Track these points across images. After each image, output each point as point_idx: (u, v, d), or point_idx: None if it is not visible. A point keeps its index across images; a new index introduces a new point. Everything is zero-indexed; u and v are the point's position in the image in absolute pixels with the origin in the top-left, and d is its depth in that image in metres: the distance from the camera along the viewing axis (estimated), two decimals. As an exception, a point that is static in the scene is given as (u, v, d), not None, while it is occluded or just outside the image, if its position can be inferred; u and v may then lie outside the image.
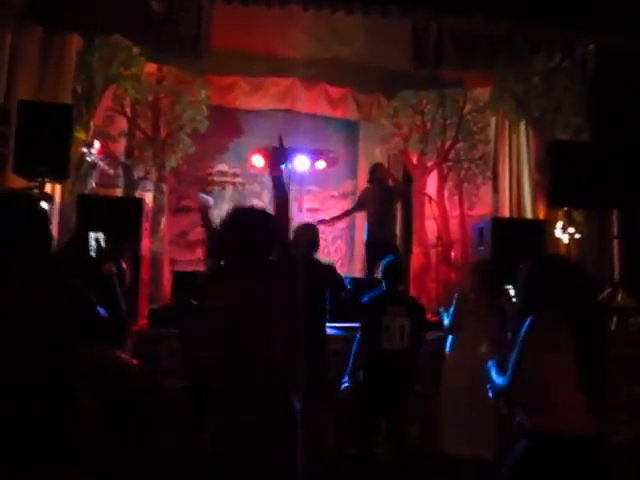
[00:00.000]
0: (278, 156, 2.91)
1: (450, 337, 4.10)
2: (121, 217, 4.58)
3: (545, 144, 6.80)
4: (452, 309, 4.07)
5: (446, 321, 4.16)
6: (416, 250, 8.14)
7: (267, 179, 9.96)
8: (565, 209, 5.62)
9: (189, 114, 8.01)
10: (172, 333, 4.02)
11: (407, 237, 8.72)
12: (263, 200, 9.94)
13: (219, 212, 9.86)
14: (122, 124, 7.68)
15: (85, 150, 5.80)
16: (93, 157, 5.82)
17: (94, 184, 5.87)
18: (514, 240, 5.08)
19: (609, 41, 6.22)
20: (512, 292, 3.55)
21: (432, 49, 6.67)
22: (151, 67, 7.88)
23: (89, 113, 6.48)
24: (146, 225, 4.99)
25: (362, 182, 9.61)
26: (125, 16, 6.23)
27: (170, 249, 9.08)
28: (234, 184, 9.57)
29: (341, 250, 9.88)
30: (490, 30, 6.26)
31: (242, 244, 2.48)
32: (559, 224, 5.68)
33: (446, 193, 8.32)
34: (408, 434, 4.15)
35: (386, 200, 6.69)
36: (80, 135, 6.32)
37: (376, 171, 7.01)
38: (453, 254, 7.03)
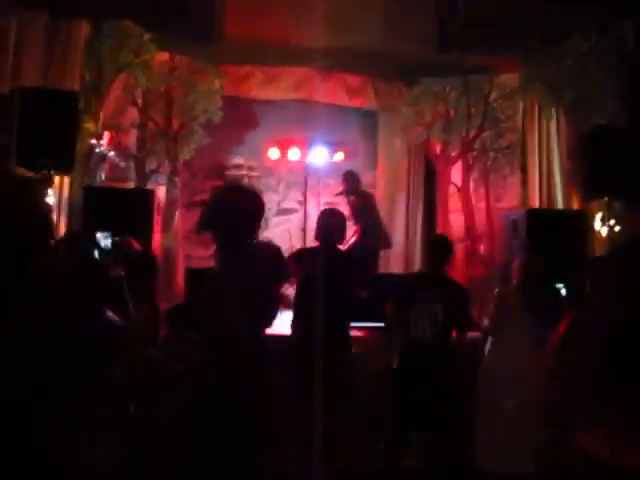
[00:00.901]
0: None
1: (490, 339, 3.75)
2: (131, 210, 4.29)
3: (579, 132, 6.38)
4: (491, 309, 3.72)
5: (485, 322, 3.80)
6: (440, 245, 7.73)
7: (283, 172, 9.78)
8: (605, 199, 5.21)
9: (202, 104, 7.70)
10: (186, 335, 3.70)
11: (430, 232, 8.35)
12: (279, 193, 9.69)
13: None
14: (133, 115, 7.39)
15: (94, 142, 5.51)
16: (102, 149, 5.53)
17: (103, 177, 5.58)
18: (551, 234, 4.70)
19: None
20: (563, 292, 3.24)
21: (457, 32, 6.27)
22: (163, 56, 7.58)
23: (98, 103, 6.19)
24: (158, 219, 4.69)
25: (382, 174, 9.29)
26: (135, 1, 5.92)
27: (184, 245, 8.83)
28: (249, 177, 9.28)
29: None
30: (519, 10, 5.84)
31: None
32: (598, 216, 5.28)
33: (471, 185, 7.91)
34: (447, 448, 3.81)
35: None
36: (89, 126, 6.04)
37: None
38: (482, 248, 6.64)
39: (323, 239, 3.61)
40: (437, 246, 3.75)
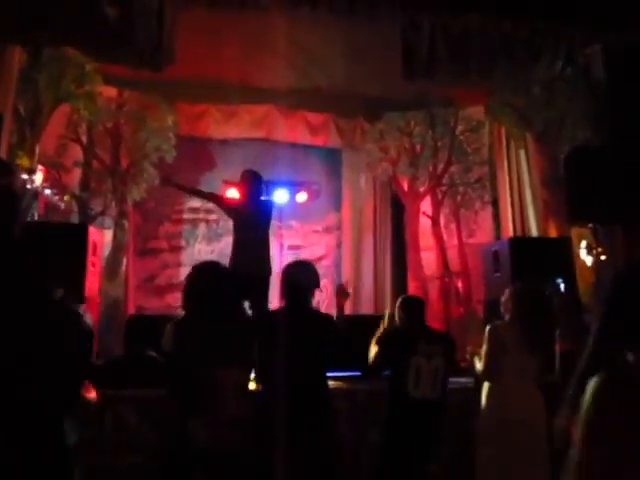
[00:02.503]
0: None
1: (486, 386, 3.18)
2: (57, 247, 3.64)
3: (551, 159, 6.11)
4: (484, 349, 3.17)
5: (478, 365, 3.25)
6: (413, 285, 7.27)
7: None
8: (589, 226, 4.85)
9: (154, 142, 7.19)
10: (120, 396, 3.03)
11: (401, 271, 7.90)
12: (238, 237, 9.14)
13: (192, 251, 8.88)
14: (77, 153, 6.82)
15: (25, 177, 4.89)
16: (36, 186, 4.92)
17: (36, 216, 4.94)
18: (536, 262, 4.25)
19: (618, 40, 5.61)
20: (562, 286, 2.81)
21: (424, 60, 5.98)
22: (111, 91, 7.10)
23: (34, 137, 5.59)
24: (94, 261, 4.04)
25: (347, 214, 8.88)
26: (76, 25, 5.43)
27: (137, 295, 8.14)
28: (207, 221, 8.75)
29: (327, 290, 9.01)
30: (487, 31, 5.61)
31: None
32: (583, 244, 4.90)
33: (442, 221, 7.55)
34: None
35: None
36: (23, 162, 5.41)
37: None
38: (460, 285, 6.18)
39: (290, 298, 2.95)
40: (416, 304, 3.34)
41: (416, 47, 5.76)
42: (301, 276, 2.93)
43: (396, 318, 3.19)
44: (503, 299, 3.32)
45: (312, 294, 2.98)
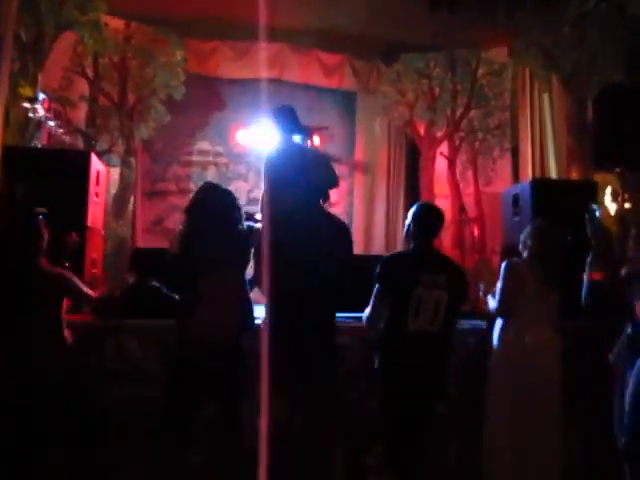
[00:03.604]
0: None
1: (499, 324, 3.02)
2: (59, 175, 3.47)
3: (579, 103, 5.80)
4: (500, 285, 2.99)
5: (492, 302, 3.09)
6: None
7: (253, 159, 9.02)
8: (616, 171, 4.58)
9: (162, 78, 6.93)
10: (122, 324, 2.93)
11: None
12: (249, 182, 8.93)
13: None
14: (83, 87, 6.58)
15: (27, 105, 4.68)
16: (39, 115, 4.71)
17: (39, 146, 4.76)
18: (559, 207, 4.00)
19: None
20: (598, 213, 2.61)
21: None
22: (117, 23, 6.80)
23: (37, 65, 5.37)
24: (97, 190, 3.87)
25: (360, 160, 8.62)
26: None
27: (144, 237, 8.02)
28: (217, 164, 8.53)
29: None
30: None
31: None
32: (608, 190, 4.66)
33: (459, 167, 7.28)
34: (446, 458, 3.10)
35: None
36: (25, 91, 5.20)
37: None
38: (476, 232, 5.97)
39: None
40: (431, 215, 2.81)
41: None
42: (318, 174, 2.77)
43: (404, 229, 2.82)
44: (522, 237, 3.14)
45: (327, 194, 2.82)
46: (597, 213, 2.67)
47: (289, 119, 3.97)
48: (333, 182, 2.84)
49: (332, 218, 2.91)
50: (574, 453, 3.21)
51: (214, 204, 2.70)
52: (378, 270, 2.74)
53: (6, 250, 2.59)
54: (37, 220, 2.68)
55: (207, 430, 2.64)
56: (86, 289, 2.77)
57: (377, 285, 2.74)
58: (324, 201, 2.83)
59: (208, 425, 2.63)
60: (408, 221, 2.81)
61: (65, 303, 2.65)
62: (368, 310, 2.77)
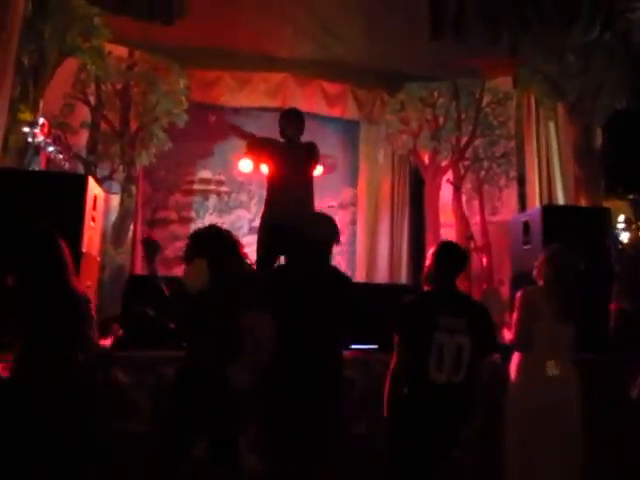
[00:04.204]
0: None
1: (516, 357, 2.85)
2: (53, 198, 3.35)
3: (584, 131, 5.72)
4: (516, 316, 2.84)
5: (507, 335, 2.92)
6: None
7: (255, 187, 8.94)
8: (630, 198, 4.47)
9: (165, 105, 6.90)
10: (113, 355, 2.75)
11: (418, 250, 7.56)
12: (250, 211, 8.84)
13: (202, 223, 8.60)
14: (84, 114, 6.53)
15: (26, 130, 4.60)
16: (36, 139, 4.63)
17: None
18: (571, 235, 3.86)
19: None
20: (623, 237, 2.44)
21: (453, 17, 5.58)
22: (121, 51, 6.80)
23: (38, 91, 5.31)
24: (94, 215, 3.74)
25: (363, 190, 8.54)
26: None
27: (144, 266, 7.88)
28: (218, 193, 8.45)
29: (340, 267, 8.70)
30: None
31: None
32: (621, 218, 4.52)
33: (464, 196, 7.18)
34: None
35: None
36: (25, 116, 5.14)
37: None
38: (485, 261, 5.81)
39: (307, 253, 2.58)
40: (454, 255, 2.63)
41: (444, 3, 5.38)
42: (320, 230, 2.60)
43: (425, 270, 2.67)
44: (536, 263, 2.99)
45: (331, 250, 2.64)
46: (620, 237, 2.52)
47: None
48: (333, 238, 2.66)
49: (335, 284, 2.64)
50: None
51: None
52: (396, 318, 2.57)
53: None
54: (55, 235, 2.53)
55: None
56: (94, 330, 2.58)
57: (397, 337, 2.54)
58: (328, 256, 2.65)
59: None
60: (428, 262, 2.65)
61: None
62: (394, 364, 2.54)
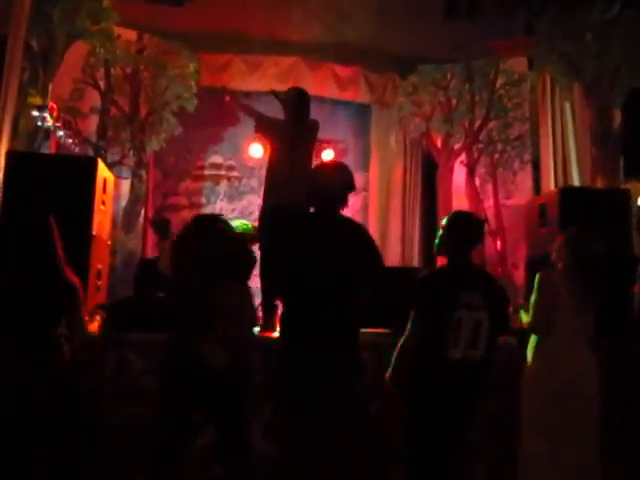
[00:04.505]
0: None
1: (533, 340, 2.77)
2: (63, 181, 3.31)
3: (602, 112, 5.60)
4: (534, 298, 2.75)
5: (525, 317, 2.85)
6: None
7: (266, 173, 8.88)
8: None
9: (175, 90, 6.84)
10: (124, 338, 2.73)
11: (430, 235, 7.47)
12: (261, 196, 8.79)
13: (213, 209, 8.55)
14: (94, 99, 6.50)
15: (36, 114, 4.57)
16: (46, 123, 4.60)
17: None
18: (589, 217, 3.76)
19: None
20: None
21: (466, 1, 5.47)
22: (130, 35, 6.74)
23: (47, 75, 5.28)
24: (104, 198, 3.71)
25: (375, 174, 8.45)
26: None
27: (155, 252, 7.88)
28: (229, 178, 8.40)
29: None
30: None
31: None
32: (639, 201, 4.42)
33: (477, 180, 7.07)
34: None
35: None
36: (35, 100, 5.12)
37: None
38: (499, 244, 5.73)
39: (320, 203, 2.46)
40: (470, 225, 2.50)
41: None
42: (334, 177, 2.50)
43: (436, 244, 2.52)
44: (555, 246, 2.89)
45: (346, 199, 2.51)
46: None
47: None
48: (349, 185, 2.55)
49: (354, 233, 2.51)
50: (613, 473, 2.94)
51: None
52: (414, 293, 2.46)
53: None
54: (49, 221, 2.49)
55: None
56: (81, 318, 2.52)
57: (413, 310, 2.43)
58: (342, 207, 2.54)
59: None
60: (441, 232, 2.51)
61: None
62: (405, 340, 2.44)
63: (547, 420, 2.64)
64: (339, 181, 2.49)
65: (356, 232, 2.50)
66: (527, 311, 2.84)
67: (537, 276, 2.82)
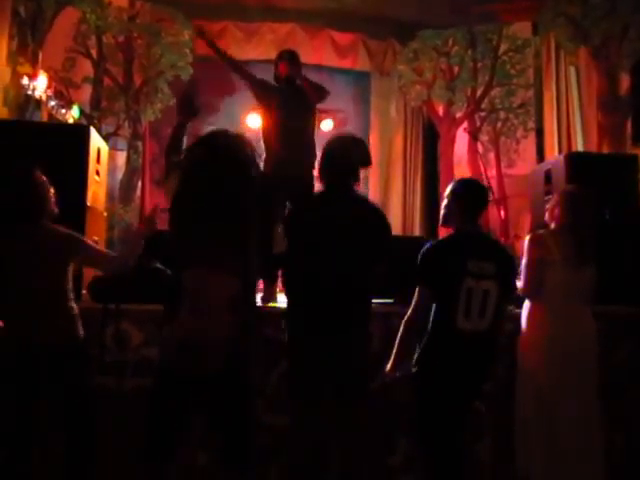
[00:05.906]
0: None
1: (527, 305, 2.66)
2: (54, 149, 3.18)
3: (609, 77, 5.44)
4: (524, 261, 2.59)
5: (518, 282, 2.71)
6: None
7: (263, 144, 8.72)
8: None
9: (169, 58, 6.65)
10: (122, 310, 2.65)
11: (431, 206, 7.39)
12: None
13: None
14: (86, 69, 6.32)
15: (25, 82, 4.42)
16: (37, 92, 4.45)
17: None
18: (597, 183, 3.65)
19: None
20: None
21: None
22: (122, 0, 6.53)
23: (36, 42, 5.11)
24: (98, 168, 3.59)
25: (375, 144, 8.31)
26: None
27: (152, 225, 7.80)
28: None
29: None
30: None
31: None
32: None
33: (479, 149, 6.93)
34: (475, 452, 2.81)
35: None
36: (23, 69, 4.96)
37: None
38: (503, 214, 5.61)
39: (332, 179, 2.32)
40: (476, 191, 2.39)
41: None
42: (347, 151, 2.37)
43: (442, 214, 2.41)
44: (549, 205, 2.74)
45: (358, 174, 2.37)
46: None
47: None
48: (366, 160, 2.42)
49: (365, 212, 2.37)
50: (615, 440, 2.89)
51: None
52: (419, 264, 2.34)
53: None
54: (36, 175, 2.38)
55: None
56: (102, 250, 2.46)
57: (420, 282, 2.34)
58: (354, 182, 2.42)
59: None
60: (447, 201, 2.41)
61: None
62: (410, 312, 2.35)
63: (543, 386, 2.54)
64: (357, 155, 2.37)
65: (374, 214, 2.39)
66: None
67: (527, 238, 2.68)
